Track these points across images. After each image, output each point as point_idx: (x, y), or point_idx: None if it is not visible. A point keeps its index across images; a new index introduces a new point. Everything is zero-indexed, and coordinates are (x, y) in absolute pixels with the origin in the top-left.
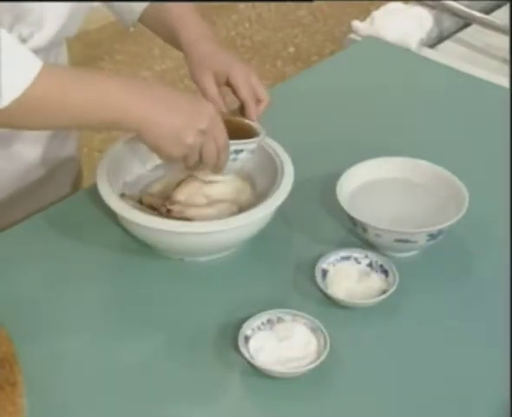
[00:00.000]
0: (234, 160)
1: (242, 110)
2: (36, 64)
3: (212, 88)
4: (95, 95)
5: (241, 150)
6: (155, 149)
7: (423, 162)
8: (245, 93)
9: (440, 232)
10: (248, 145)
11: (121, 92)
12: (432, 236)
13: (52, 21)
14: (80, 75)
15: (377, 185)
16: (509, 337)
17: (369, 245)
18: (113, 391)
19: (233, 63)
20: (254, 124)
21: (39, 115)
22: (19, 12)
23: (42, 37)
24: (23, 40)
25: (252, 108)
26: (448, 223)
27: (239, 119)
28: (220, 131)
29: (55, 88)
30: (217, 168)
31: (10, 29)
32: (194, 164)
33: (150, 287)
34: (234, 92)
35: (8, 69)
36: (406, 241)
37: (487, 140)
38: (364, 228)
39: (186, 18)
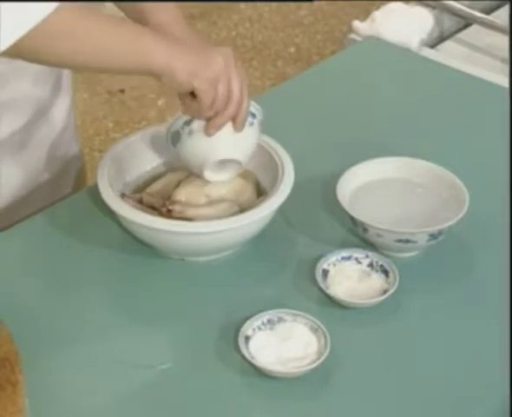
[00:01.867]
0: (251, 124)
1: None
2: None
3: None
4: (122, 35)
5: (255, 115)
6: (190, 75)
7: (423, 162)
8: None
9: (440, 232)
10: (259, 112)
11: (145, 34)
12: (433, 236)
13: None
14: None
15: (377, 185)
16: (509, 337)
17: (369, 245)
18: (113, 390)
19: None
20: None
21: (57, 45)
22: None
23: None
24: None
25: None
26: (448, 223)
27: None
28: (240, 76)
29: (73, 20)
30: (239, 120)
31: None
32: (220, 106)
33: (150, 287)
34: None
35: None
36: (407, 241)
37: (487, 140)
38: (365, 228)
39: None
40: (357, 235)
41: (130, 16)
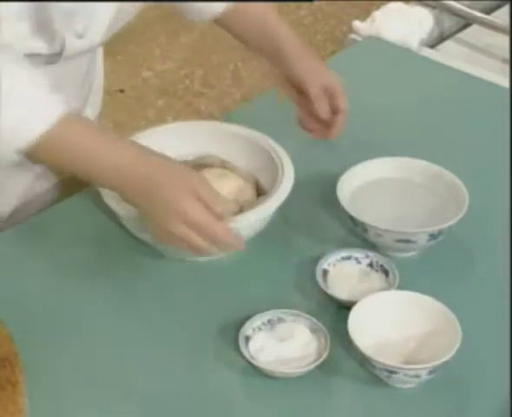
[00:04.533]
0: None
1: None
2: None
3: (324, 108)
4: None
5: None
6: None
7: (423, 162)
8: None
9: (440, 232)
10: None
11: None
12: (433, 236)
13: (103, 13)
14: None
15: (377, 185)
16: (509, 337)
17: (369, 245)
18: (113, 390)
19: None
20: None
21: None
22: (72, 7)
23: (96, 30)
24: (80, 36)
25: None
26: (448, 223)
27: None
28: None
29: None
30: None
31: (65, 27)
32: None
33: (150, 287)
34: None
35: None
36: (407, 241)
37: (487, 140)
38: (365, 228)
39: (285, 30)
40: (357, 235)
41: (250, 40)
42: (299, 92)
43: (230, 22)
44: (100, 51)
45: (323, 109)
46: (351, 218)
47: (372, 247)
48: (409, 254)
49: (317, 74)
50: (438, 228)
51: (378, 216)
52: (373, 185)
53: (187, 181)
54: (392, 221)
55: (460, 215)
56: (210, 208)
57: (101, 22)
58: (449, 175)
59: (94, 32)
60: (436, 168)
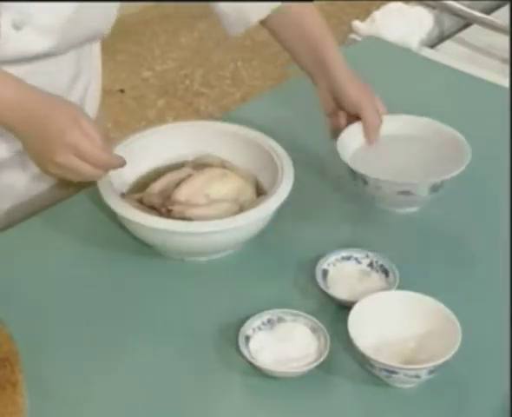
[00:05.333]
0: None
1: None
2: None
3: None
4: None
5: None
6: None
7: (425, 119)
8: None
9: (442, 183)
10: None
11: None
12: (434, 188)
13: (45, 11)
14: None
15: (379, 142)
16: (509, 337)
17: (369, 245)
18: (113, 390)
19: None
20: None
21: None
22: None
23: (37, 32)
24: (18, 27)
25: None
26: (450, 175)
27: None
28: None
29: None
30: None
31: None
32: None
33: (150, 287)
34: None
35: None
36: (407, 192)
37: (487, 140)
38: (365, 180)
39: (334, 50)
40: (357, 235)
41: (296, 52)
42: (338, 105)
43: (271, 26)
44: (97, 52)
45: (374, 135)
46: (351, 171)
47: (372, 205)
48: (409, 210)
49: (370, 100)
50: (440, 180)
51: (380, 171)
52: (375, 142)
53: (69, 111)
54: (394, 175)
55: (462, 168)
56: (91, 136)
57: (42, 26)
58: (451, 131)
59: (33, 34)
60: (437, 124)
